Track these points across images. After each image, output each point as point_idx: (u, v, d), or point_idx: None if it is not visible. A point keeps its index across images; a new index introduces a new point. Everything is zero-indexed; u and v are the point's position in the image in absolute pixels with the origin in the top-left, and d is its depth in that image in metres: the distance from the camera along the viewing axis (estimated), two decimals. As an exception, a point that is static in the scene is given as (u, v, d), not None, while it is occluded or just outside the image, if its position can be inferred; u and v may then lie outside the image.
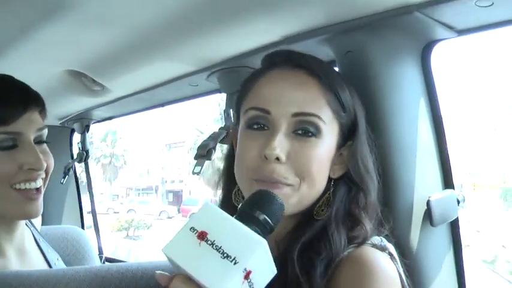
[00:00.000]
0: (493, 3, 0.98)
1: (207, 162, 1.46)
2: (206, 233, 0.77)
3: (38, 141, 1.26)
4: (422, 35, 1.13)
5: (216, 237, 0.76)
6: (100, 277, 1.08)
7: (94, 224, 2.59)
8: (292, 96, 0.94)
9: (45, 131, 1.28)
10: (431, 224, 1.13)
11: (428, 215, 1.13)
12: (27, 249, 1.34)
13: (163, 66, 1.57)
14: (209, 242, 0.76)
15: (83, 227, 2.57)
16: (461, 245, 1.21)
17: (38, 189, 1.24)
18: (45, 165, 1.24)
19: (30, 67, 1.63)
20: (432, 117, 1.20)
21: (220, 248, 0.75)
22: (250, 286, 0.76)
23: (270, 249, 0.92)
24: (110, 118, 2.33)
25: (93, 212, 2.62)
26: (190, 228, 0.77)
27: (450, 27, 1.10)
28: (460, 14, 1.05)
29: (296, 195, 0.93)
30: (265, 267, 0.79)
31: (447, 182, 1.20)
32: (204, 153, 1.46)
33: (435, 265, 1.17)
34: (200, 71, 1.52)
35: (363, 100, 1.02)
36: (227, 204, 1.02)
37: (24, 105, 1.23)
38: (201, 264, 0.76)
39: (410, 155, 1.15)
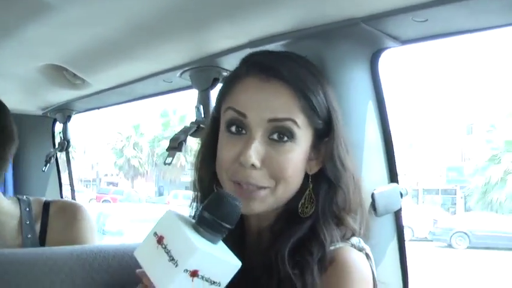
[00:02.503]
0: (427, 19, 1.09)
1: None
2: (163, 238, 0.85)
3: None
4: (370, 43, 1.24)
5: (168, 241, 0.85)
6: (75, 256, 1.17)
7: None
8: (267, 103, 0.97)
9: None
10: (376, 214, 1.24)
11: (373, 207, 1.24)
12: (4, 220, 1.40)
13: (140, 63, 1.66)
14: (163, 246, 0.85)
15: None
16: (403, 233, 1.33)
17: None
18: None
19: (11, 61, 1.70)
20: (379, 118, 1.30)
21: (169, 251, 0.84)
22: (207, 280, 0.85)
23: (253, 241, 1.03)
24: (91, 109, 2.41)
25: (73, 199, 2.71)
26: (154, 233, 0.86)
27: (394, 38, 1.21)
28: (400, 27, 1.16)
29: (272, 196, 0.98)
30: (218, 265, 0.86)
31: (392, 177, 1.31)
32: (175, 145, 1.56)
33: (380, 251, 1.28)
34: (173, 69, 1.61)
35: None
36: (204, 187, 1.06)
37: None
38: (154, 266, 0.85)
39: (358, 152, 1.23)
